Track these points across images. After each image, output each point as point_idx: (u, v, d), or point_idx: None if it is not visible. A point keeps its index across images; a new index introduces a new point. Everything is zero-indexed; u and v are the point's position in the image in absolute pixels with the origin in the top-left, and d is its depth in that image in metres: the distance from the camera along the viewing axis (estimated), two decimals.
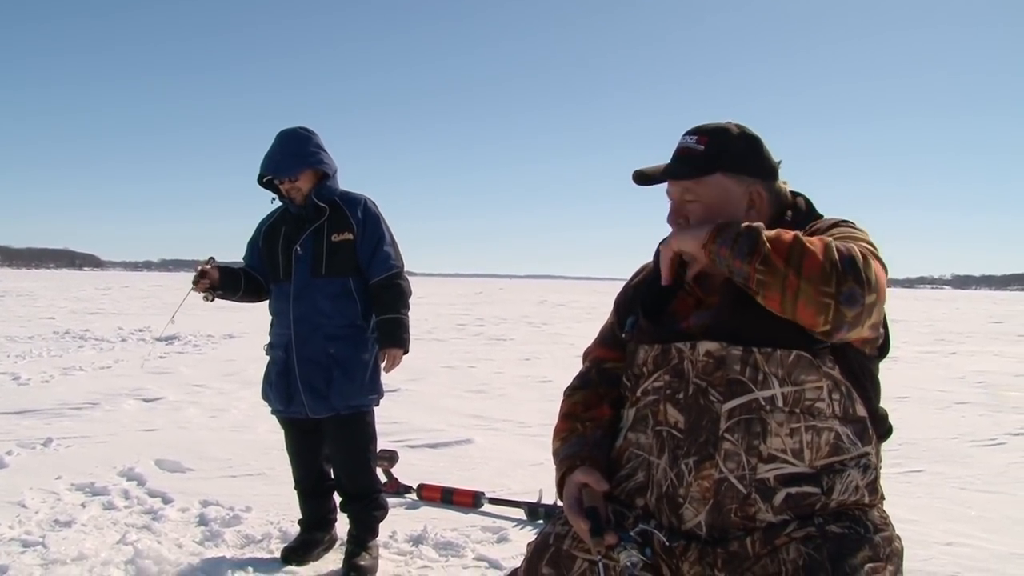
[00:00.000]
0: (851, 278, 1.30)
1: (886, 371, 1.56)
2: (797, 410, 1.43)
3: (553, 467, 1.70)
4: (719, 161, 1.57)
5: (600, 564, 1.44)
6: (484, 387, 8.00)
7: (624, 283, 1.85)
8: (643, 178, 1.62)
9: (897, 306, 35.28)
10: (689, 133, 1.61)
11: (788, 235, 1.37)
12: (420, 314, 21.23)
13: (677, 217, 1.61)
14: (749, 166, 1.59)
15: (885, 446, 1.57)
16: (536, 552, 1.59)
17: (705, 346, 1.50)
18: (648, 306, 1.66)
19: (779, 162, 1.64)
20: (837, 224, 1.53)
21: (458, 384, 8.18)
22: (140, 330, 13.83)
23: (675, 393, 1.52)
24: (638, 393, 1.61)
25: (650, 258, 1.75)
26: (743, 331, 1.47)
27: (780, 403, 1.43)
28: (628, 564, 1.42)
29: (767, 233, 1.38)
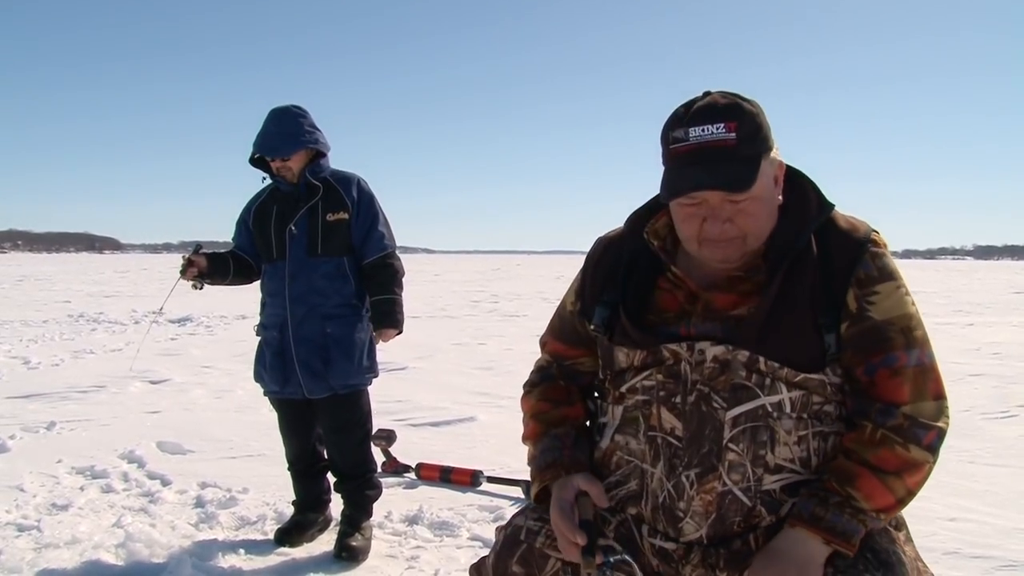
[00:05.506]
0: (938, 443, 1.33)
1: None
2: (805, 415, 1.34)
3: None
4: (758, 146, 1.33)
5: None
6: (492, 364, 7.96)
7: (584, 259, 1.64)
8: (680, 193, 1.34)
9: (916, 277, 34.88)
10: (703, 119, 1.31)
11: (881, 489, 1.29)
12: (433, 291, 21.27)
13: (725, 227, 1.34)
14: (771, 139, 1.36)
15: None
16: (506, 548, 1.45)
17: (708, 349, 1.36)
18: (630, 305, 1.45)
19: None
20: (869, 251, 1.37)
21: (466, 361, 8.16)
22: (153, 312, 13.89)
23: (670, 396, 1.38)
24: (623, 389, 1.45)
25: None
26: (758, 351, 1.34)
27: (788, 408, 1.33)
28: None
29: (862, 503, 1.28)
